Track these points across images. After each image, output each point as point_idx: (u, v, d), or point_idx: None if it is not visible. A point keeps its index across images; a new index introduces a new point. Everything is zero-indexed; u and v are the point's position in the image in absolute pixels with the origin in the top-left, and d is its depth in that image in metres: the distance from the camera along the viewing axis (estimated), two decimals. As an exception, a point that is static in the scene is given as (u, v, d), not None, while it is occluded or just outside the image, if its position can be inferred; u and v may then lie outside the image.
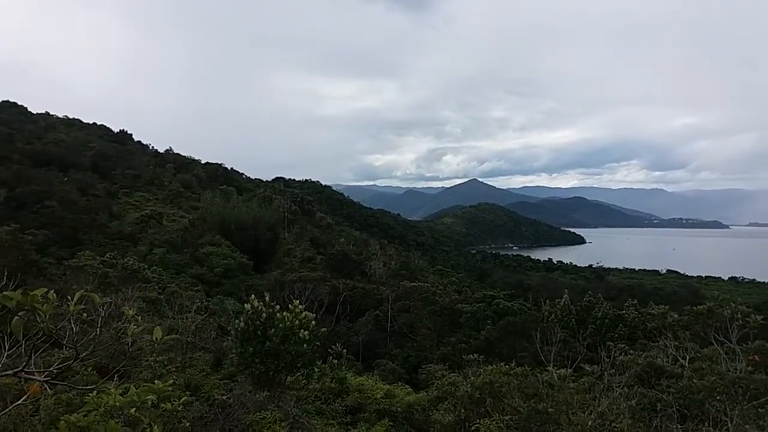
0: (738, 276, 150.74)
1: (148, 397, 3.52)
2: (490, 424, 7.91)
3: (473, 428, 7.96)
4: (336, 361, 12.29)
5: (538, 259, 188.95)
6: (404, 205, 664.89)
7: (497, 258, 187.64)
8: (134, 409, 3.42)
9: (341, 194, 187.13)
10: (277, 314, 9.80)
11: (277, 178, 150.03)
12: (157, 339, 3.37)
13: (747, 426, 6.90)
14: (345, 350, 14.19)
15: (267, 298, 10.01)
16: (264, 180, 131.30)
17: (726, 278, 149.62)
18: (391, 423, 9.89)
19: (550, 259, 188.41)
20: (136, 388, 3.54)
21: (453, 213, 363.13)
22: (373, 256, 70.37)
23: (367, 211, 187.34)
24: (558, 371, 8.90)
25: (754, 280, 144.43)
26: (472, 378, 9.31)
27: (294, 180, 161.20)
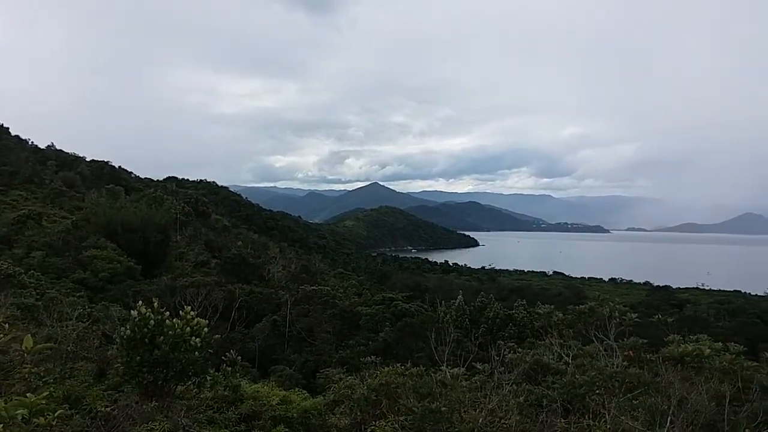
0: (617, 277, 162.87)
1: (18, 412, 3.19)
2: (385, 426, 7.95)
3: (368, 430, 7.96)
4: (230, 369, 11.88)
5: (435, 262, 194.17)
6: (306, 208, 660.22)
7: (397, 260, 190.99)
8: (1, 425, 3.10)
9: (239, 195, 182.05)
10: (167, 321, 9.31)
11: (169, 178, 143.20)
12: (27, 348, 3.07)
13: (623, 417, 7.37)
14: (240, 357, 13.76)
15: (156, 304, 9.49)
16: (155, 179, 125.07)
17: (606, 279, 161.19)
18: (287, 429, 9.70)
19: (447, 262, 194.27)
20: (5, 403, 3.20)
21: (355, 216, 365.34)
22: (272, 260, 69.12)
23: (267, 213, 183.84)
24: (451, 370, 9.12)
25: (631, 281, 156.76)
26: (369, 380, 9.33)
27: (188, 180, 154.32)
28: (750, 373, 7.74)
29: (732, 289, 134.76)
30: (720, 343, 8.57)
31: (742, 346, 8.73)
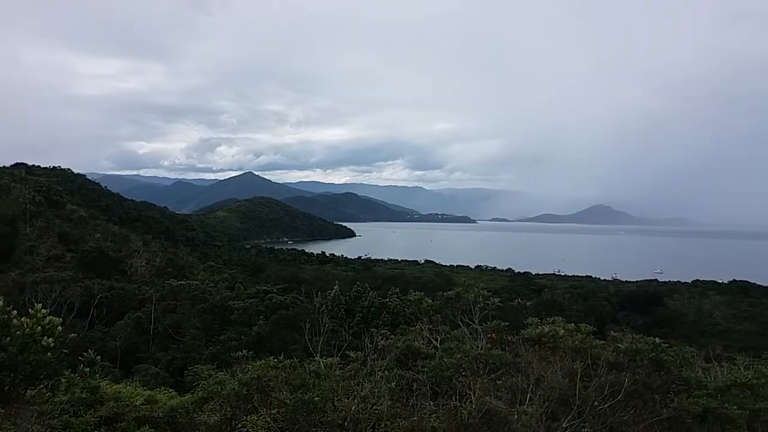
0: (483, 264, 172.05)
1: None
2: (257, 420, 7.77)
3: (239, 426, 7.75)
4: (88, 370, 11.01)
5: (312, 253, 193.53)
6: (173, 198, 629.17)
7: (272, 252, 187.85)
8: None
9: (97, 184, 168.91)
10: (14, 320, 8.41)
11: (17, 164, 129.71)
12: None
13: (487, 398, 7.77)
14: (99, 357, 12.80)
15: (1, 302, 8.54)
16: (1, 166, 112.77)
17: (473, 266, 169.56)
18: (152, 429, 9.20)
19: (323, 252, 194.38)
20: None
21: (227, 207, 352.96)
22: (135, 254, 65.18)
23: (129, 203, 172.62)
24: (325, 360, 9.12)
25: (495, 267, 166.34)
26: (240, 375, 9.07)
27: (38, 167, 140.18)
28: (598, 351, 8.46)
29: (584, 275, 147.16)
30: (573, 324, 9.27)
31: (592, 327, 9.51)
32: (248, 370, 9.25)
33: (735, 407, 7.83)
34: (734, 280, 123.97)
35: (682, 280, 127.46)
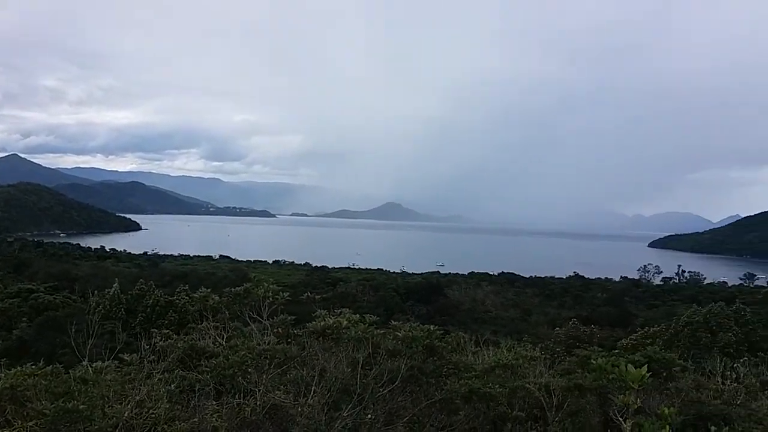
0: (281, 259, 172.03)
1: None
2: (8, 437, 6.81)
3: (-16, 445, 6.73)
4: None
5: (89, 247, 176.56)
6: None
7: (40, 246, 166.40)
8: None
9: None
10: None
11: None
12: None
13: (272, 393, 7.73)
14: None
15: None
16: None
17: (271, 261, 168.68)
18: None
19: (103, 247, 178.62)
20: None
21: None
22: None
23: None
24: (95, 365, 8.32)
25: (293, 262, 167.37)
26: (-12, 387, 7.87)
27: None
28: (379, 340, 8.91)
29: (376, 268, 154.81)
30: (358, 315, 9.64)
31: (377, 317, 9.99)
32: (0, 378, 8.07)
33: (497, 386, 8.77)
34: (503, 272, 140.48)
35: (461, 272, 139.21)
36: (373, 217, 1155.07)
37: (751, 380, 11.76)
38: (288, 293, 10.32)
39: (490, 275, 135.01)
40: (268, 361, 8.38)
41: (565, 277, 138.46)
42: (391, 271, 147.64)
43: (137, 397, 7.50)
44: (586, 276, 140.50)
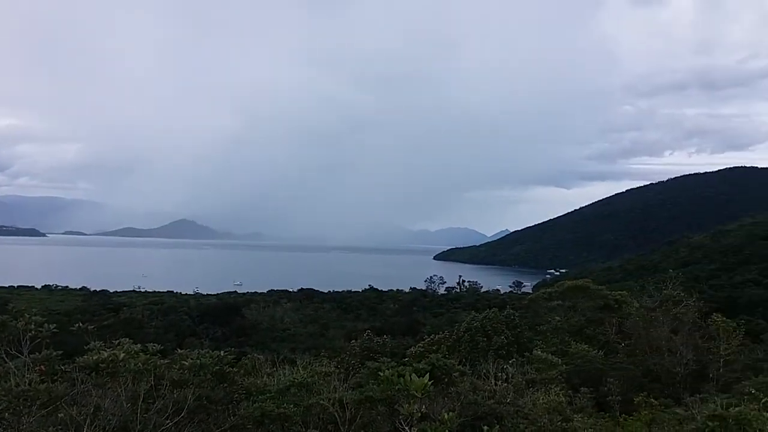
0: (52, 284, 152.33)
1: None
2: None
3: None
4: None
5: None
6: None
7: None
8: None
9: None
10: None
11: None
12: None
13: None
14: None
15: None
16: None
17: (40, 287, 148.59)
18: None
19: None
20: None
21: None
22: None
23: None
24: None
25: (68, 287, 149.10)
26: None
27: None
28: (162, 371, 8.32)
29: (165, 290, 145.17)
30: (139, 345, 8.92)
31: (161, 345, 9.30)
32: None
33: (292, 405, 8.69)
34: (302, 288, 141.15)
35: (259, 291, 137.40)
36: (162, 235, 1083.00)
37: (518, 379, 13.32)
38: (55, 325, 9.11)
39: (290, 292, 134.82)
40: (28, 403, 7.34)
41: (360, 290, 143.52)
42: (183, 293, 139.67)
43: None
44: (379, 288, 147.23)
